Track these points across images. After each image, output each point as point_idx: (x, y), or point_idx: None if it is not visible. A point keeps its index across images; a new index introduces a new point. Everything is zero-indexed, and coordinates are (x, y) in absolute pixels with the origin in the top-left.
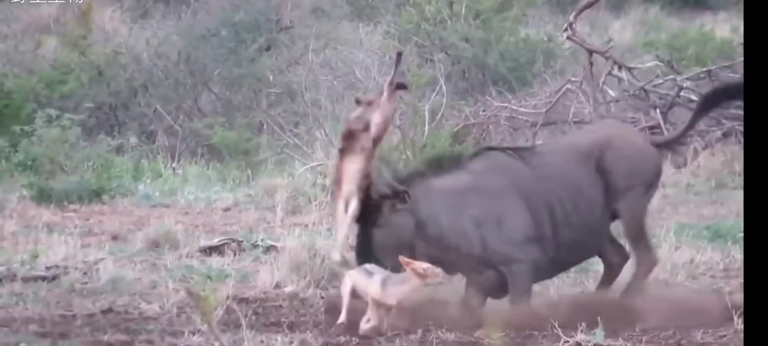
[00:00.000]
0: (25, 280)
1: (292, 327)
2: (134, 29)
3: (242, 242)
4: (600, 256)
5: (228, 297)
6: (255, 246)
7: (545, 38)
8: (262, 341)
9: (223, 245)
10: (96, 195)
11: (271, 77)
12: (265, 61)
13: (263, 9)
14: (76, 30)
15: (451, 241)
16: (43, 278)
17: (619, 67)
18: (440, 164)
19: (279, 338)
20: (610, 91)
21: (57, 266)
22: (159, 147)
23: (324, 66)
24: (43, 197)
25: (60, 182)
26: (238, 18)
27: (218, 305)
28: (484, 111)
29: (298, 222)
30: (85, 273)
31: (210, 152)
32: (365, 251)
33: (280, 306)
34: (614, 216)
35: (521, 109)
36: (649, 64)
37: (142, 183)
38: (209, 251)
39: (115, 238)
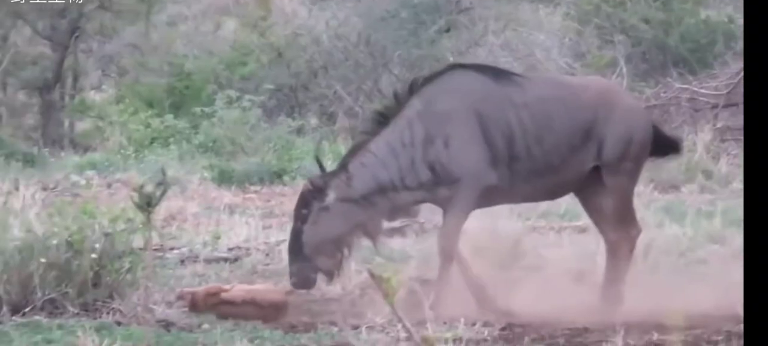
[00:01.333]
0: (207, 261)
1: (474, 309)
2: (314, 10)
3: (424, 223)
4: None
5: (410, 279)
6: (437, 228)
7: (726, 19)
8: (444, 322)
9: (405, 226)
10: (277, 176)
11: (451, 59)
12: (445, 43)
13: None
14: (256, 11)
15: (397, 188)
16: (225, 260)
17: None
18: (383, 117)
19: (462, 320)
20: None
21: (239, 248)
22: (339, 128)
23: (504, 48)
24: (224, 178)
25: (241, 163)
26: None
27: (400, 287)
28: (665, 93)
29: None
30: (266, 254)
31: None
32: (297, 248)
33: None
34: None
35: (702, 91)
36: None
37: (324, 164)
38: (391, 232)
39: None
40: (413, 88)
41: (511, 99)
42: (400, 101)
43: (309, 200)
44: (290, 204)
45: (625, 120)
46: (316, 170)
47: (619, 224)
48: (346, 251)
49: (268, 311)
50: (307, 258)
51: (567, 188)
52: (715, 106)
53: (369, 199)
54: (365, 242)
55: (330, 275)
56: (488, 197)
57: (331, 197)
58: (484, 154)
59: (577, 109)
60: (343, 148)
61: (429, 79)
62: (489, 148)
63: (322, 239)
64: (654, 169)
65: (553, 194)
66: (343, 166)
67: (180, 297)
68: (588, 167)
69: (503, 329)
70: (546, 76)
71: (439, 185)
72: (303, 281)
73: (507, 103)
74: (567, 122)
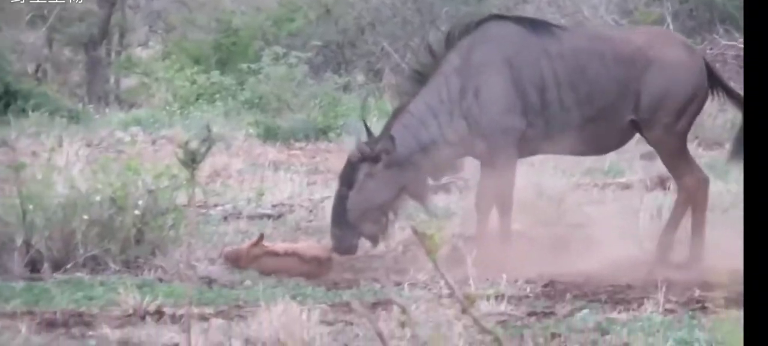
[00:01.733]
0: (251, 218)
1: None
2: None
3: (468, 179)
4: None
5: (453, 235)
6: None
7: None
8: (486, 279)
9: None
10: (322, 133)
11: None
12: (493, 0)
13: None
14: None
15: (438, 145)
16: (269, 216)
17: None
18: (420, 75)
19: (504, 277)
20: None
21: (282, 204)
22: (385, 85)
23: (551, 4)
24: (269, 134)
25: (286, 119)
26: None
27: (443, 244)
28: (711, 49)
29: (525, 161)
30: (310, 211)
31: None
32: (340, 212)
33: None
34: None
35: None
36: None
37: (369, 121)
38: (435, 188)
39: None
40: (449, 41)
41: (547, 49)
42: (436, 56)
43: (356, 167)
44: (335, 161)
45: (662, 75)
46: (361, 128)
47: (674, 175)
48: (391, 216)
49: (311, 266)
50: (351, 224)
51: (609, 143)
52: None
53: (412, 160)
54: (412, 203)
55: (374, 240)
56: (525, 146)
57: (377, 163)
58: (514, 103)
59: (613, 63)
60: (389, 106)
61: (465, 31)
62: (520, 98)
63: (368, 206)
64: (698, 125)
65: (595, 148)
66: (387, 130)
67: (222, 255)
68: (626, 122)
69: (545, 285)
70: (589, 29)
71: (474, 137)
72: (345, 247)
73: (541, 54)
74: (602, 75)
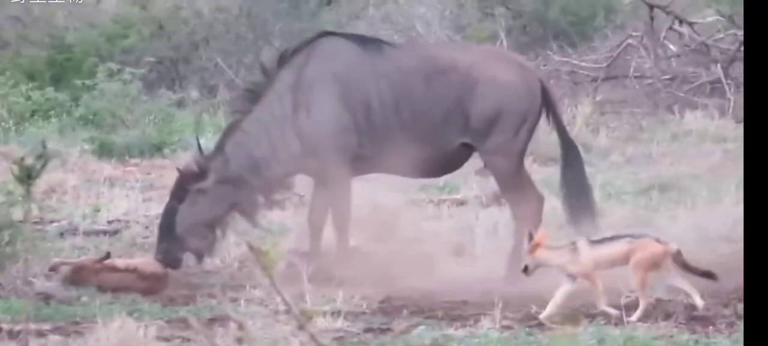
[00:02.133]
0: (87, 234)
1: (353, 281)
2: None
3: (303, 195)
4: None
5: (289, 251)
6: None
7: None
8: (323, 295)
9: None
10: (157, 149)
11: None
12: (326, 16)
13: None
14: None
15: (270, 163)
16: (105, 232)
17: (680, 22)
18: (253, 93)
19: (340, 293)
20: (671, 46)
21: (118, 220)
22: (220, 101)
23: (384, 20)
24: (104, 151)
25: (121, 136)
26: None
27: (279, 260)
28: (544, 66)
29: (360, 178)
30: (146, 227)
31: None
32: (168, 225)
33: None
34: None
35: (582, 64)
36: (710, 19)
37: (203, 137)
38: (270, 204)
39: None
40: (283, 59)
41: (375, 67)
42: (268, 75)
43: (188, 181)
44: (170, 177)
45: (492, 95)
46: (195, 144)
47: (511, 197)
48: (219, 233)
49: (149, 282)
50: (178, 238)
51: (441, 166)
52: (594, 80)
53: (245, 178)
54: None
55: (200, 256)
56: (358, 165)
57: (209, 179)
58: (345, 122)
59: (438, 84)
60: (223, 121)
61: (298, 49)
62: (351, 116)
63: (196, 220)
64: (533, 141)
65: (428, 171)
66: (219, 147)
67: (52, 268)
68: (456, 144)
69: (382, 301)
70: (419, 47)
71: (306, 154)
72: (170, 260)
73: (369, 71)
74: (426, 96)
